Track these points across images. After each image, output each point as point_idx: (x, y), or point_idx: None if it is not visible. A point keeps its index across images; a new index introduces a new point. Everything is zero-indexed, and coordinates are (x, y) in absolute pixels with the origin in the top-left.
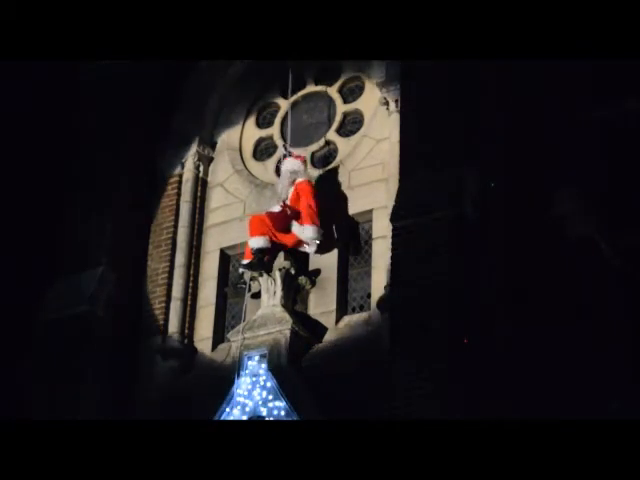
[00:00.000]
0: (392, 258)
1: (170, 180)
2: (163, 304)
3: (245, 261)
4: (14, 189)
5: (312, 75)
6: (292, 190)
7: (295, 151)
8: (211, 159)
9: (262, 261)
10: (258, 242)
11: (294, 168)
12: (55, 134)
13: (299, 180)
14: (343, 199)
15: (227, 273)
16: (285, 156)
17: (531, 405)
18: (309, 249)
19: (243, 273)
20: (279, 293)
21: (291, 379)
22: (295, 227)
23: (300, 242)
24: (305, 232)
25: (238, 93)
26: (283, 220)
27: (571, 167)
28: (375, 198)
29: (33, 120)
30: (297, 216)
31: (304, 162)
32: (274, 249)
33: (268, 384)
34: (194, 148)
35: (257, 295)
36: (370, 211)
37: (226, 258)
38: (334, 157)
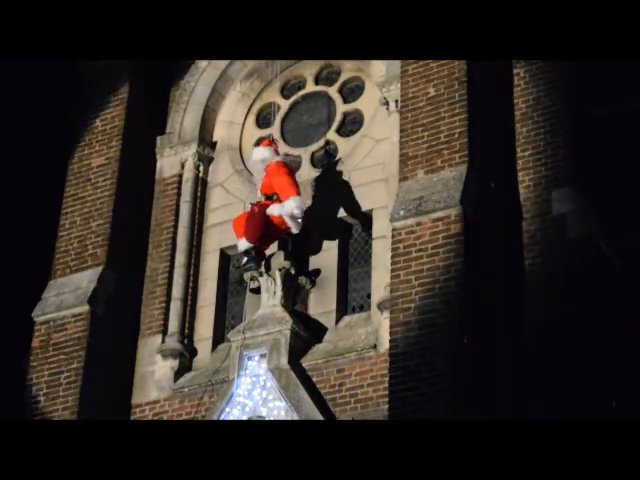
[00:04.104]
0: (392, 258)
1: (170, 180)
2: (163, 304)
3: (242, 261)
4: (14, 188)
5: (312, 75)
6: (263, 177)
7: (294, 151)
8: (211, 159)
9: (257, 260)
10: (243, 244)
11: (263, 156)
12: (55, 133)
13: (267, 163)
14: (343, 199)
15: (227, 273)
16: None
17: (531, 405)
18: (293, 229)
19: (245, 271)
20: (279, 293)
21: (291, 379)
22: (275, 210)
23: (282, 230)
24: (285, 208)
25: (238, 93)
26: (254, 222)
27: (571, 167)
28: (375, 198)
29: (33, 120)
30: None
31: (270, 144)
32: (264, 244)
33: (268, 384)
34: (194, 148)
35: (257, 290)
36: (370, 211)
37: (226, 258)
38: (334, 157)
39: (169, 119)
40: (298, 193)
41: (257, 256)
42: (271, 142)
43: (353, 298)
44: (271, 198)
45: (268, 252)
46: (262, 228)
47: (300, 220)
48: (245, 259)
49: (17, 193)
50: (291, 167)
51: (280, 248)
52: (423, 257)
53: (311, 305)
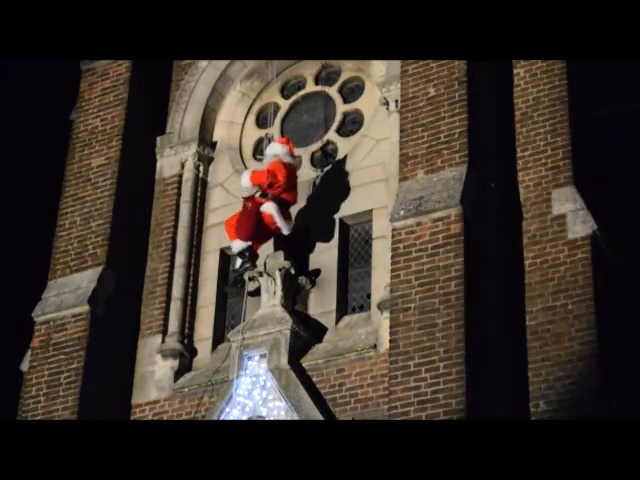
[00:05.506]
0: (392, 258)
1: (170, 180)
2: (163, 304)
3: (237, 263)
4: (14, 189)
5: (312, 75)
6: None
7: (295, 151)
8: (211, 159)
9: (252, 260)
10: (237, 246)
11: (275, 151)
12: (55, 133)
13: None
14: (343, 199)
15: (227, 273)
16: (269, 142)
17: (531, 405)
18: (284, 230)
19: (242, 272)
20: (279, 293)
21: (291, 379)
22: (270, 208)
23: (273, 230)
24: (265, 208)
25: (238, 93)
26: (247, 220)
27: (571, 167)
28: (375, 198)
29: (33, 120)
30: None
31: (287, 142)
32: (257, 242)
33: (268, 384)
34: (194, 148)
35: (256, 293)
36: (370, 211)
37: (226, 258)
38: (334, 157)
39: (169, 119)
40: (291, 198)
41: (251, 256)
42: (288, 141)
43: (353, 298)
44: (261, 190)
45: (266, 252)
46: (255, 225)
47: (289, 221)
48: (240, 261)
49: (17, 193)
50: (295, 170)
51: (279, 248)
52: (423, 257)
53: (311, 305)
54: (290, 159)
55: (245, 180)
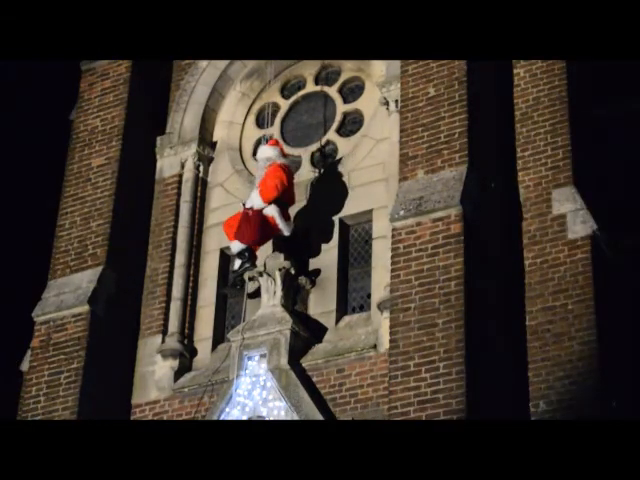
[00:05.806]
0: (392, 258)
1: (170, 180)
2: (163, 304)
3: (236, 264)
4: (14, 188)
5: (312, 75)
6: (262, 177)
7: (294, 151)
8: (211, 159)
9: (251, 261)
10: (236, 246)
11: (268, 155)
12: (55, 133)
13: (270, 163)
14: (343, 199)
15: (227, 273)
16: (266, 142)
17: (531, 405)
18: (285, 232)
19: (242, 273)
20: (279, 293)
21: (291, 379)
22: (272, 210)
23: (275, 231)
24: (267, 210)
25: (238, 93)
26: (251, 225)
27: (571, 167)
28: (375, 198)
29: (33, 120)
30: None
31: (276, 144)
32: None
33: (268, 384)
34: (194, 148)
35: (255, 294)
36: (370, 211)
37: (226, 258)
38: (334, 157)
39: (169, 119)
40: (289, 199)
41: (251, 256)
42: (277, 142)
43: (353, 298)
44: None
45: (266, 252)
46: (260, 231)
47: (289, 222)
48: (239, 261)
49: (17, 193)
50: (292, 171)
51: (279, 248)
52: (423, 257)
53: (311, 305)
54: (284, 160)
55: (258, 202)
